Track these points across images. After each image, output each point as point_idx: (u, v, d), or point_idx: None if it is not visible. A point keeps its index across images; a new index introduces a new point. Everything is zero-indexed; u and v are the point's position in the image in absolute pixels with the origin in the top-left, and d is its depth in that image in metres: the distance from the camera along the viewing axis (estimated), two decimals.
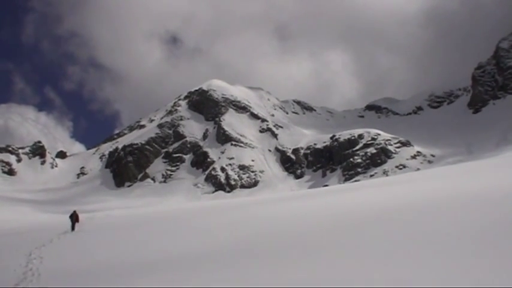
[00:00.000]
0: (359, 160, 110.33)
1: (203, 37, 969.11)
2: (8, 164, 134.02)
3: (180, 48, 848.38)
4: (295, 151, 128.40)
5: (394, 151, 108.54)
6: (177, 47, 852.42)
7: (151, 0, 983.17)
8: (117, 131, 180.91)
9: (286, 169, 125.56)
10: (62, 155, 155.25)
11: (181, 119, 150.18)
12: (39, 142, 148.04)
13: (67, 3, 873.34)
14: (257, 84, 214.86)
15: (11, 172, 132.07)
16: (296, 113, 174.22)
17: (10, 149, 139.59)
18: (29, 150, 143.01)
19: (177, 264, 13.77)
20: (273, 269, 11.06)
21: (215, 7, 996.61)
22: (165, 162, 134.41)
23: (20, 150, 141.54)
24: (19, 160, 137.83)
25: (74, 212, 30.40)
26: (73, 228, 29.16)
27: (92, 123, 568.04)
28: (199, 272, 12.02)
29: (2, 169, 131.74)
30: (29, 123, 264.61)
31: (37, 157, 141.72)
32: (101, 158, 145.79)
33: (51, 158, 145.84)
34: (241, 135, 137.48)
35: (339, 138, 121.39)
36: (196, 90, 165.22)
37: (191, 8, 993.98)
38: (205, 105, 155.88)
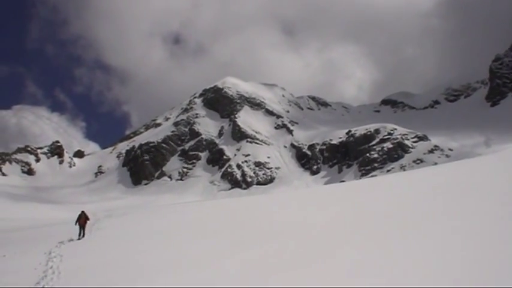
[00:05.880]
0: (375, 155, 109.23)
1: (208, 35, 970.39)
2: (27, 163, 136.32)
3: (185, 47, 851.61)
4: (311, 147, 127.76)
5: (411, 146, 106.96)
6: (180, 47, 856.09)
7: (153, 0, 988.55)
8: (128, 129, 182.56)
9: (302, 165, 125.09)
10: (79, 154, 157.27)
11: (196, 117, 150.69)
12: (57, 142, 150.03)
13: (72, 8, 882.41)
14: (267, 80, 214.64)
15: (30, 172, 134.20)
16: (311, 108, 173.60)
17: (29, 149, 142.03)
18: (47, 150, 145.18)
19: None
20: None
21: (220, 5, 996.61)
22: (181, 160, 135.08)
23: (39, 150, 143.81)
24: (38, 160, 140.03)
25: (82, 212, 25.46)
26: (80, 233, 24.34)
27: (103, 123, 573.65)
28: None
29: (22, 169, 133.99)
30: (43, 122, 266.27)
31: (55, 156, 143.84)
32: (118, 156, 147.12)
33: (69, 157, 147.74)
34: (256, 132, 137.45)
35: (355, 133, 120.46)
36: (211, 88, 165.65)
37: (195, 7, 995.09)
38: (220, 102, 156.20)
